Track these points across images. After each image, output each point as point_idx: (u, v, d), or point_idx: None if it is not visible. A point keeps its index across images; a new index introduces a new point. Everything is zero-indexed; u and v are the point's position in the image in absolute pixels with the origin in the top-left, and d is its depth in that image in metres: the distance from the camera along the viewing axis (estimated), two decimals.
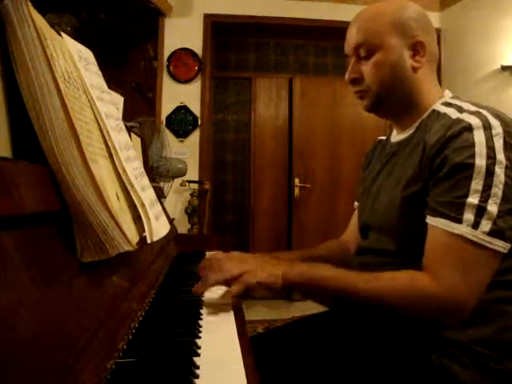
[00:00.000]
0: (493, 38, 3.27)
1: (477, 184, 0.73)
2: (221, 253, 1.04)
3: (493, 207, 0.72)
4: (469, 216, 0.73)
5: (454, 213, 0.74)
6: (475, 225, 0.72)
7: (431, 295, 0.73)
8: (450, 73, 3.53)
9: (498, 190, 0.73)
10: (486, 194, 0.73)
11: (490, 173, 0.73)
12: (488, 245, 0.72)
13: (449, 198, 0.75)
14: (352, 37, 0.91)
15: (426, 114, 0.89)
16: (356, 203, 1.15)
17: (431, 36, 0.91)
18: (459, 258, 0.73)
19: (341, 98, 3.86)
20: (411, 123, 0.91)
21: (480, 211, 0.72)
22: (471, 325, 0.77)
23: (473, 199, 0.73)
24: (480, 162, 0.73)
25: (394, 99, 0.90)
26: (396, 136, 0.97)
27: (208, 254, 1.37)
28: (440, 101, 0.89)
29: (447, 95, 0.91)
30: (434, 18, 3.67)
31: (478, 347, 0.77)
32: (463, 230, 0.73)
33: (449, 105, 0.86)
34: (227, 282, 0.81)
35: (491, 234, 0.72)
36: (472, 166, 0.73)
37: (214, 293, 0.90)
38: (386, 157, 0.98)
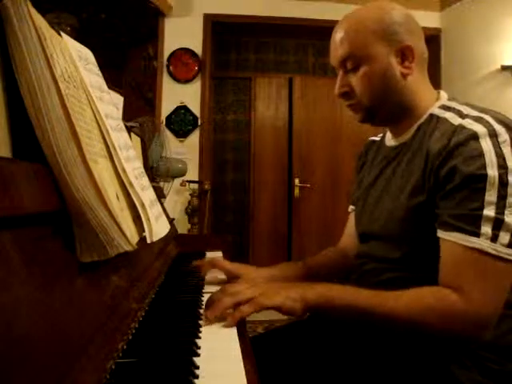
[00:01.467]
0: (493, 37, 3.27)
1: (491, 195, 0.71)
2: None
3: (510, 218, 0.71)
4: (486, 229, 0.71)
5: (471, 226, 0.72)
6: (494, 238, 0.70)
7: (460, 311, 0.71)
8: (449, 73, 3.53)
9: None
10: (501, 204, 0.71)
11: (503, 183, 0.71)
12: (508, 257, 0.70)
13: (463, 211, 0.73)
14: (336, 49, 0.88)
15: (423, 118, 0.87)
16: (351, 207, 1.14)
17: (418, 36, 0.87)
18: (481, 272, 0.71)
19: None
20: (408, 127, 0.89)
21: (497, 223, 0.71)
22: None
23: (489, 211, 0.71)
24: (492, 172, 0.71)
25: (388, 108, 0.88)
26: (392, 140, 0.95)
27: (208, 254, 1.37)
28: (437, 104, 0.87)
29: (443, 97, 0.89)
30: (434, 18, 3.68)
31: (480, 350, 0.76)
32: (482, 243, 0.71)
33: (447, 108, 0.84)
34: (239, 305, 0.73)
35: (510, 245, 0.71)
36: (484, 176, 0.71)
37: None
38: (383, 161, 0.96)
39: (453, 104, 0.85)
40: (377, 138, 1.07)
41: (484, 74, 3.32)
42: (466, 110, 0.81)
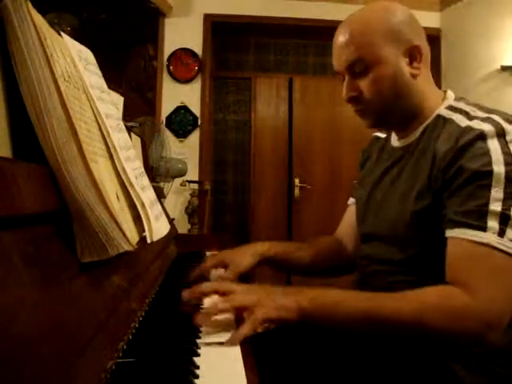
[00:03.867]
0: (493, 38, 3.27)
1: (497, 192, 0.70)
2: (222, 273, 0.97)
3: None
4: (493, 224, 0.69)
5: (477, 221, 0.70)
6: (501, 232, 0.69)
7: (471, 310, 0.68)
8: (450, 73, 3.53)
9: None
10: (507, 201, 0.70)
11: (510, 179, 0.70)
12: None
13: (469, 207, 0.72)
14: (342, 54, 0.85)
15: (430, 119, 0.86)
16: (351, 199, 1.13)
17: (422, 36, 0.86)
18: (489, 267, 0.70)
19: (341, 98, 3.83)
20: (415, 129, 0.88)
21: (504, 219, 0.69)
22: None
23: (495, 207, 0.70)
24: (498, 168, 0.71)
25: (398, 111, 0.87)
26: (398, 141, 0.94)
27: (208, 254, 1.37)
28: (444, 104, 0.86)
29: (450, 97, 0.88)
30: (434, 18, 3.67)
31: (488, 355, 0.76)
32: (490, 238, 0.69)
33: (454, 109, 0.83)
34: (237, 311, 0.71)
35: None
36: (490, 173, 0.71)
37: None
38: (388, 161, 0.95)
39: (460, 105, 0.84)
40: (381, 135, 1.06)
41: (484, 74, 3.32)
42: (473, 111, 0.80)
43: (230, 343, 0.64)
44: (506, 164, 0.71)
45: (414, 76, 0.85)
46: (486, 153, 0.72)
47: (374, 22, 0.83)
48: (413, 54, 0.84)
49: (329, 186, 3.82)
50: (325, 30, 3.70)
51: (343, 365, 0.83)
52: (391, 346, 0.81)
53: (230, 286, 0.74)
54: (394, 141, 0.96)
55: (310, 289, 0.75)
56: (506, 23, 3.19)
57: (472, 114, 0.80)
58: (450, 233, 0.74)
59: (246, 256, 1.01)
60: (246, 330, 0.66)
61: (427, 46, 0.88)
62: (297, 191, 3.79)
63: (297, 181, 3.79)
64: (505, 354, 0.76)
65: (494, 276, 0.69)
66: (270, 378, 0.76)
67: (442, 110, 0.85)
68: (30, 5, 0.51)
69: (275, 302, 0.71)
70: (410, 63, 0.84)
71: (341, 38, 0.85)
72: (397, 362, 0.79)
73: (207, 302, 0.79)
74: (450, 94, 0.89)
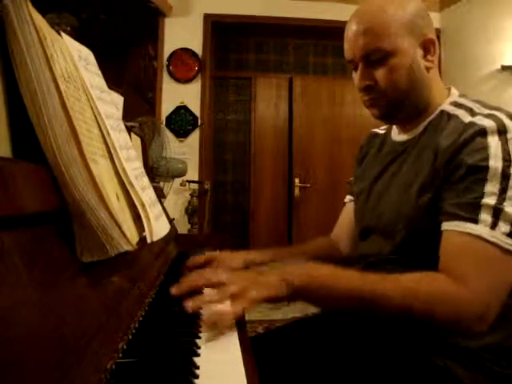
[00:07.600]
0: (493, 38, 3.27)
1: (492, 186, 0.71)
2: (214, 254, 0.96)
3: (510, 209, 0.70)
4: (486, 216, 0.70)
5: (470, 214, 0.71)
6: (493, 225, 0.70)
7: (462, 298, 0.69)
8: (450, 73, 3.53)
9: None
10: (502, 196, 0.70)
11: (505, 175, 0.71)
12: (507, 246, 0.69)
13: (463, 201, 0.73)
14: (359, 42, 0.83)
15: (434, 115, 0.86)
16: (348, 197, 1.14)
17: (433, 31, 0.88)
18: (481, 259, 0.70)
19: (341, 98, 3.86)
20: (418, 123, 0.89)
21: (497, 212, 0.70)
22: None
23: (489, 200, 0.70)
24: (495, 163, 0.71)
25: (409, 103, 0.86)
26: (399, 135, 0.94)
27: (208, 254, 1.37)
28: (448, 100, 0.87)
29: (454, 94, 0.89)
30: (434, 18, 3.67)
31: (484, 353, 0.76)
32: (481, 230, 0.70)
33: (458, 105, 0.84)
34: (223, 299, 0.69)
35: (510, 235, 0.70)
36: (486, 168, 0.72)
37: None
38: (389, 156, 0.95)
39: (464, 101, 0.85)
40: (380, 131, 1.05)
41: (484, 74, 3.32)
42: (477, 108, 0.81)
43: (225, 322, 0.65)
44: (504, 160, 0.72)
45: (427, 69, 0.85)
46: (485, 148, 0.73)
47: (392, 12, 0.82)
48: (427, 47, 0.85)
49: (329, 186, 3.82)
50: (325, 30, 3.71)
51: (343, 365, 0.83)
52: (391, 346, 0.81)
53: (219, 276, 0.73)
54: (395, 135, 0.96)
55: (298, 266, 0.76)
56: (506, 23, 3.20)
57: (476, 110, 0.80)
58: (444, 226, 0.75)
59: (236, 257, 1.01)
60: (238, 307, 0.66)
61: (436, 41, 0.88)
62: (297, 191, 3.80)
63: (297, 181, 3.80)
64: (501, 352, 0.76)
65: (483, 267, 0.70)
66: (270, 378, 0.76)
67: (446, 106, 0.86)
68: (30, 5, 0.51)
69: (264, 281, 0.71)
70: (425, 56, 0.85)
71: (358, 26, 0.84)
72: (395, 361, 0.79)
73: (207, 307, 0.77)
74: (454, 91, 0.90)
